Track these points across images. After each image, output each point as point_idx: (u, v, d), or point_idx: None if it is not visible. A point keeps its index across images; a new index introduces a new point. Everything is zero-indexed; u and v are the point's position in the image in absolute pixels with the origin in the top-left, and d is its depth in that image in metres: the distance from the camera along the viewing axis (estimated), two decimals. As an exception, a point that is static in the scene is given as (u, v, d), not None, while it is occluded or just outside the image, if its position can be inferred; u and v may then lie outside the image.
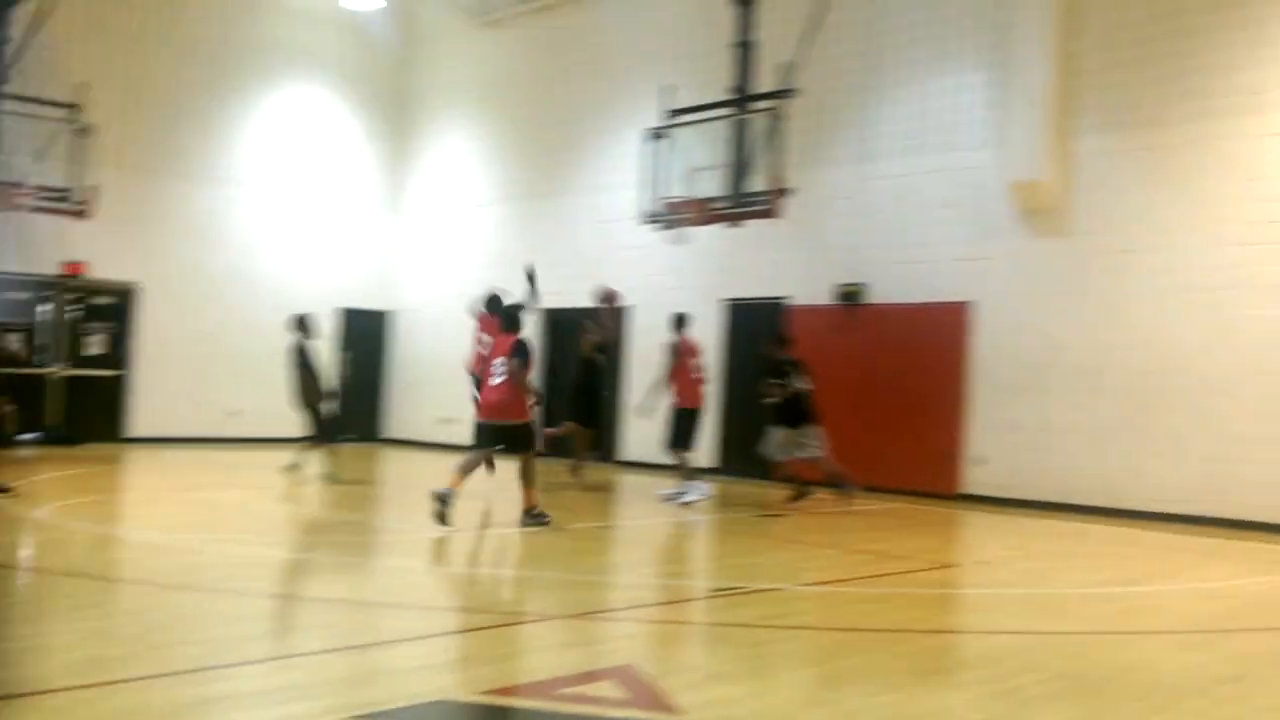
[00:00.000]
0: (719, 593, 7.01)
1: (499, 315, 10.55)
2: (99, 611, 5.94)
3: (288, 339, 12.77)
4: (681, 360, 12.56)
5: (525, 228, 18.84)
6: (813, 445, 12.14)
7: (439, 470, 11.74)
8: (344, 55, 19.99)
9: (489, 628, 5.79)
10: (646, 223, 14.93)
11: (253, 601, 6.24)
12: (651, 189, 14.80)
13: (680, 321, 12.94)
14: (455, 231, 20.02)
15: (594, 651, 5.44)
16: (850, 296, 14.59)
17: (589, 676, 4.84)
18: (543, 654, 5.27)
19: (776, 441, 12.30)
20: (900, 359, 14.17)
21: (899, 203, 14.41)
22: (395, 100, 20.78)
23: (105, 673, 4.57)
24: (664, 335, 13.25)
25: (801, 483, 12.28)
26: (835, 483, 12.22)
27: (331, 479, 12.30)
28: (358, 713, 4.06)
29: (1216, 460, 11.76)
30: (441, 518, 8.88)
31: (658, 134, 14.78)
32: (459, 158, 20.15)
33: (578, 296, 17.83)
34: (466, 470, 9.50)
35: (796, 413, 12.20)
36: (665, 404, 12.78)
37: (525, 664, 5.02)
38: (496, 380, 9.65)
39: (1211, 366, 11.92)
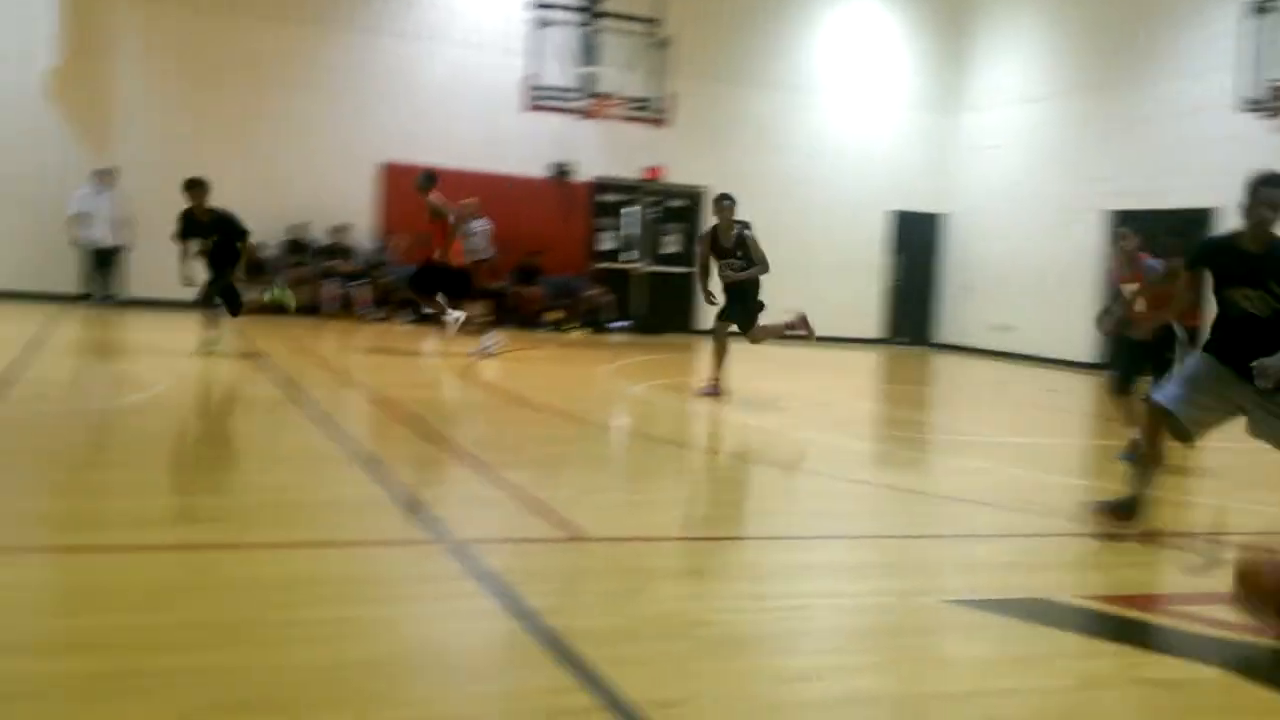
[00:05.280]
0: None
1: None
2: (694, 477, 6.41)
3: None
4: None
5: (1088, 123, 17.42)
6: None
7: (996, 377, 11.34)
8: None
9: (1079, 535, 5.45)
10: (1245, 110, 13.31)
11: (831, 483, 6.40)
12: (1251, 71, 13.15)
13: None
14: (1011, 131, 19.02)
15: (1198, 574, 4.92)
16: None
17: (1202, 598, 4.38)
18: (1141, 569, 4.85)
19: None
20: None
21: None
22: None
23: (704, 529, 4.89)
24: None
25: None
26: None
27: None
28: (950, 597, 3.98)
29: None
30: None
31: (1261, 6, 13.07)
32: (1015, 54, 19.04)
33: (1156, 198, 16.28)
34: None
35: None
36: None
37: (1125, 576, 4.65)
38: None
39: None
